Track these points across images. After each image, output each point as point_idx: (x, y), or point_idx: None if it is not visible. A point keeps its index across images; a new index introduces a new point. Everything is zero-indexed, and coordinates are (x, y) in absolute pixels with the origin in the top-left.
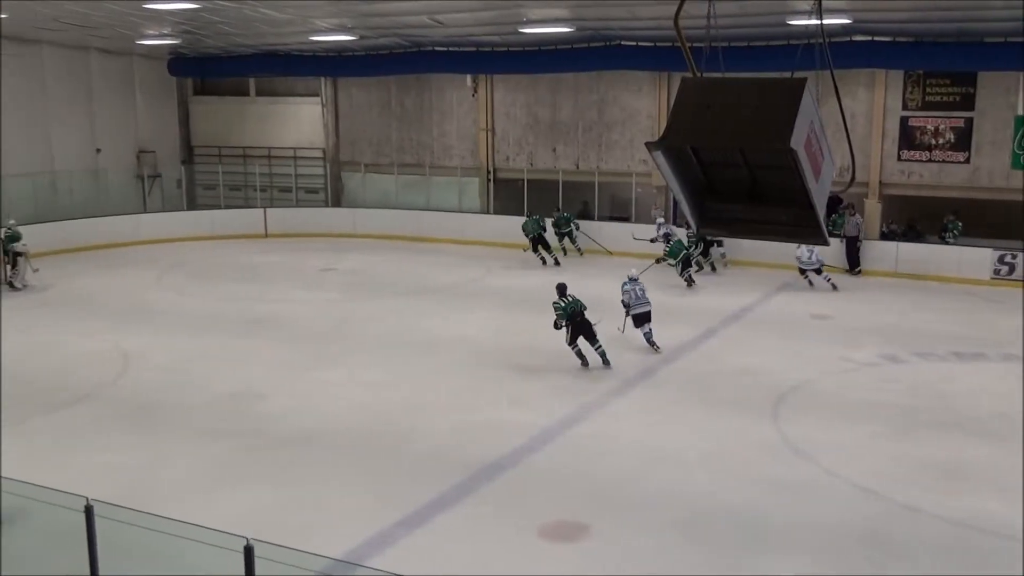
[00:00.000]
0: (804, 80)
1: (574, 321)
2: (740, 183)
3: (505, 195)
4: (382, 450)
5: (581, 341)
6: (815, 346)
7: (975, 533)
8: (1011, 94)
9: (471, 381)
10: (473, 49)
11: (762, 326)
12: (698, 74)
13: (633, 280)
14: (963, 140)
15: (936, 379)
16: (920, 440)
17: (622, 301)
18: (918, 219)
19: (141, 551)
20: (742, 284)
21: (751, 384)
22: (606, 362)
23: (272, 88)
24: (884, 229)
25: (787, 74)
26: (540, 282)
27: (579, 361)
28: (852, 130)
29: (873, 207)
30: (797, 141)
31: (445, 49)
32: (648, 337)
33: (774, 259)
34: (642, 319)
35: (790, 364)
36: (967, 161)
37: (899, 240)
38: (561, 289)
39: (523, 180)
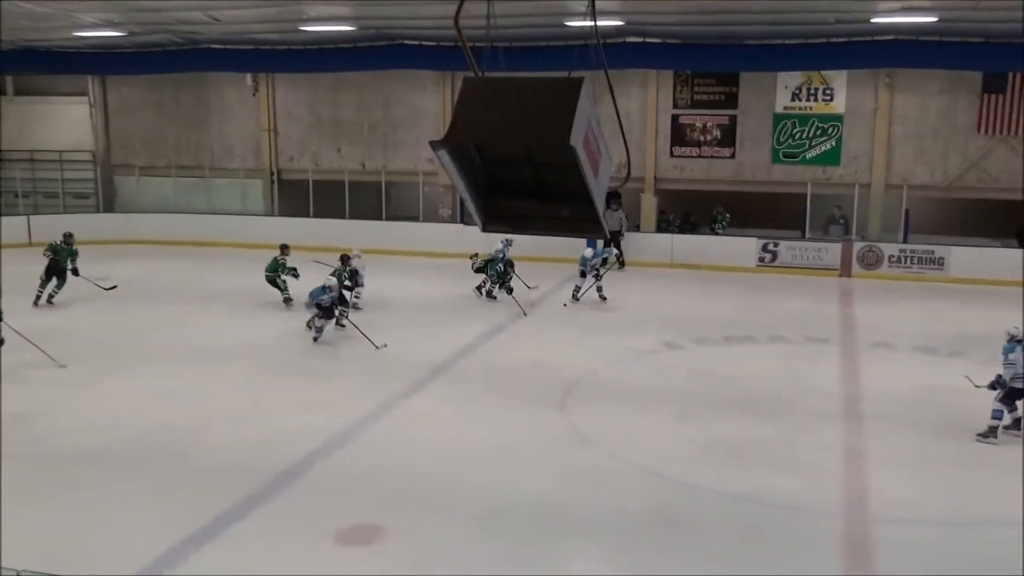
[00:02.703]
0: (581, 79)
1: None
2: (524, 180)
3: (290, 196)
4: (169, 464)
5: None
6: (600, 337)
7: (755, 506)
8: (769, 93)
9: (262, 388)
10: (252, 47)
11: (549, 319)
12: (480, 73)
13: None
14: (728, 136)
15: (712, 363)
16: (701, 422)
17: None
18: (691, 212)
19: None
20: (528, 279)
21: (541, 376)
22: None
23: (33, 87)
24: (679, 222)
25: (565, 74)
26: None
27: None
28: (627, 128)
29: (649, 201)
30: (576, 139)
31: (223, 47)
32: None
33: (561, 253)
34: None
35: (577, 355)
36: (733, 156)
37: (674, 232)
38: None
39: (308, 181)
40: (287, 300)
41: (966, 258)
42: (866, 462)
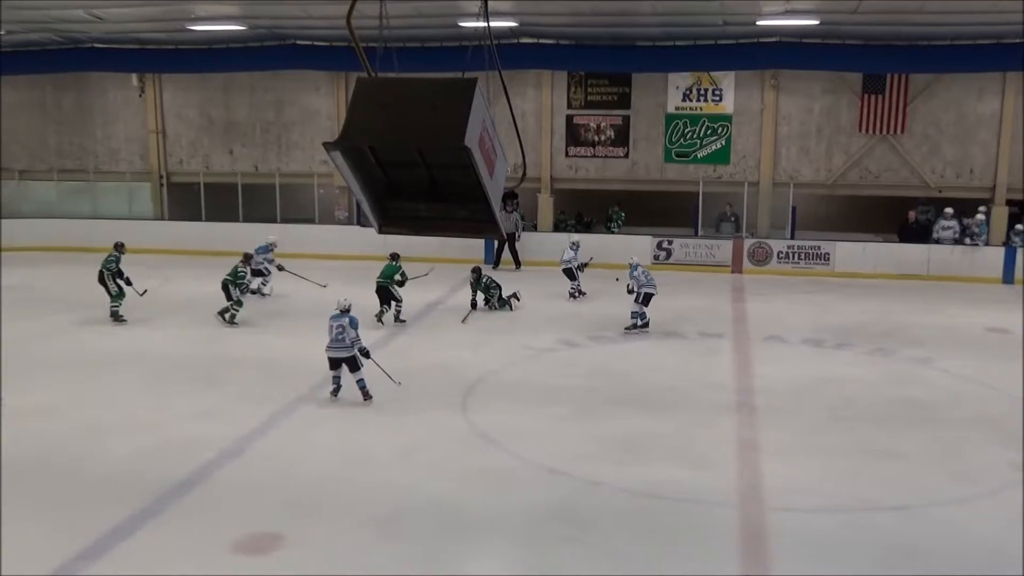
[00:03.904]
0: (475, 80)
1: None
2: (419, 181)
3: (181, 200)
4: (57, 480)
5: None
6: (499, 336)
7: (654, 500)
8: (661, 94)
9: (153, 397)
10: (138, 46)
11: (448, 320)
12: (373, 74)
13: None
14: (622, 136)
15: (610, 360)
16: (600, 418)
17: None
18: (585, 211)
19: None
20: (428, 280)
21: (441, 378)
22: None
23: None
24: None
25: (459, 75)
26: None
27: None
28: (522, 128)
29: (545, 201)
30: (471, 139)
31: (106, 46)
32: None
33: (458, 255)
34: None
35: (476, 356)
36: (626, 156)
37: (571, 232)
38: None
39: (199, 184)
40: (232, 316)
41: (850, 253)
42: (759, 453)
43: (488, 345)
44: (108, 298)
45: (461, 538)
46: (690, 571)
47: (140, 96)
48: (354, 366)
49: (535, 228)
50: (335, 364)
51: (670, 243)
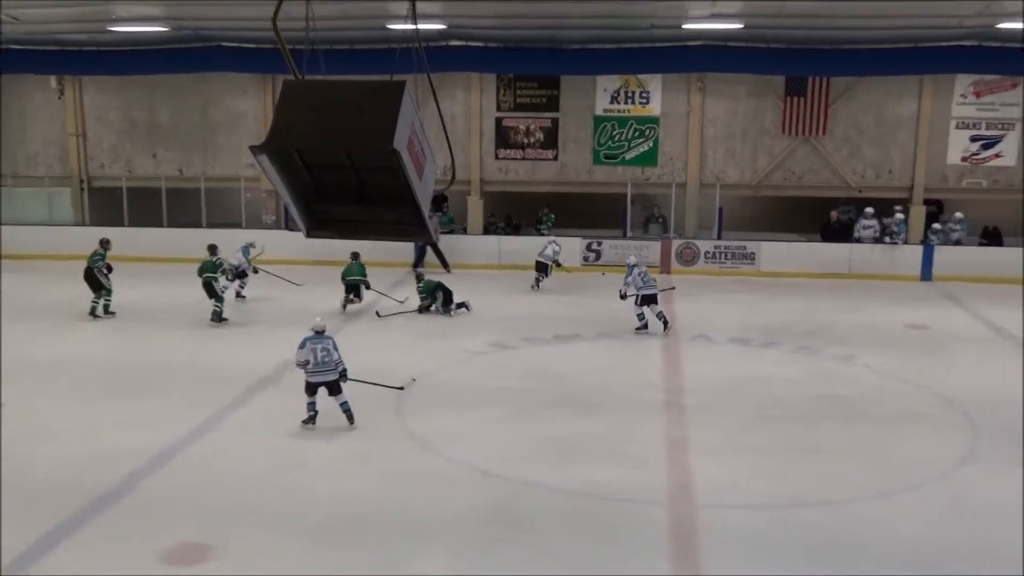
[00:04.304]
0: (403, 83)
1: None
2: (348, 185)
3: (102, 205)
4: None
5: None
6: (433, 340)
7: (589, 500)
8: (589, 96)
9: (79, 406)
10: (57, 48)
11: (381, 324)
12: (300, 76)
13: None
14: (551, 139)
15: (543, 361)
16: (534, 420)
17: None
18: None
19: None
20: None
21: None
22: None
23: None
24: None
25: (387, 77)
26: (154, 294)
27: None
28: (452, 131)
29: (475, 203)
30: (399, 142)
31: (23, 47)
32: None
33: (386, 258)
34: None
35: (410, 360)
36: (556, 158)
37: (500, 234)
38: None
39: (122, 188)
40: (218, 314)
41: (775, 253)
42: (689, 451)
43: (422, 348)
44: (92, 295)
45: (398, 543)
46: (624, 570)
47: (59, 98)
48: (337, 389)
49: (464, 231)
50: (315, 389)
51: (599, 245)
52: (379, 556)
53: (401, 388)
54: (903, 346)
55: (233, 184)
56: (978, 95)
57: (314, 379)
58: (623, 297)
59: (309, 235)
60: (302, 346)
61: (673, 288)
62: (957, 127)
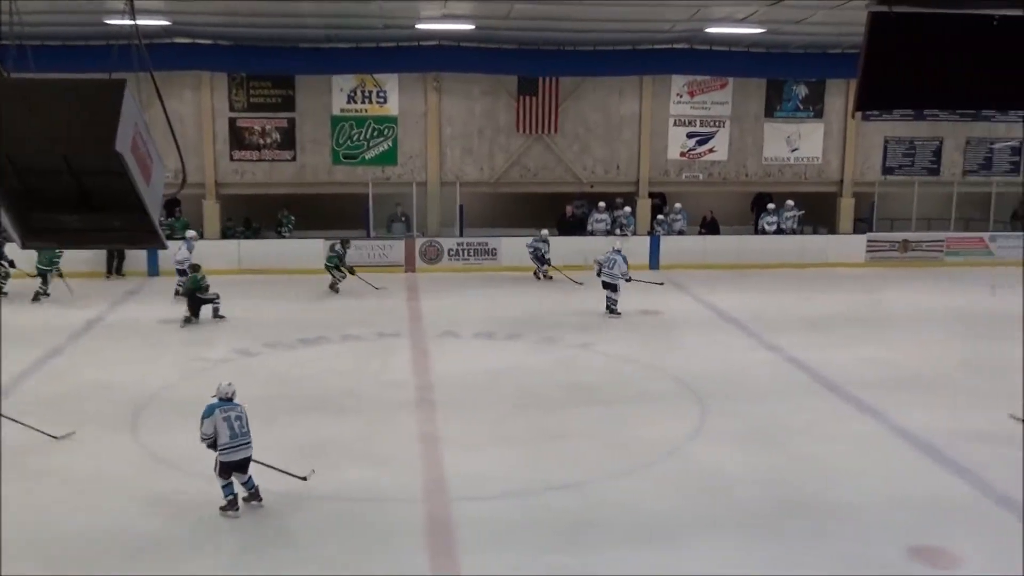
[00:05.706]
0: (123, 81)
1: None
2: (67, 190)
3: None
4: None
5: None
6: (171, 350)
7: (343, 502)
8: (325, 96)
9: None
10: None
11: (113, 337)
12: (6, 75)
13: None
14: (288, 139)
15: (288, 366)
16: (281, 426)
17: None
18: (254, 216)
19: None
20: (89, 295)
21: (108, 399)
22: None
23: None
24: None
25: (106, 75)
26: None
27: None
28: (182, 132)
29: (211, 207)
30: (123, 144)
31: None
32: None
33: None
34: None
35: (147, 372)
36: (294, 159)
37: (240, 238)
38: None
39: None
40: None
41: (515, 248)
42: (441, 446)
43: (160, 360)
44: None
45: (137, 567)
46: (381, 570)
47: None
48: (247, 465)
49: (201, 236)
50: (233, 469)
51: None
52: None
53: (304, 478)
54: (637, 331)
55: None
56: (692, 94)
57: (234, 457)
58: (628, 280)
59: (24, 246)
60: (208, 415)
61: (661, 283)
62: (675, 124)
